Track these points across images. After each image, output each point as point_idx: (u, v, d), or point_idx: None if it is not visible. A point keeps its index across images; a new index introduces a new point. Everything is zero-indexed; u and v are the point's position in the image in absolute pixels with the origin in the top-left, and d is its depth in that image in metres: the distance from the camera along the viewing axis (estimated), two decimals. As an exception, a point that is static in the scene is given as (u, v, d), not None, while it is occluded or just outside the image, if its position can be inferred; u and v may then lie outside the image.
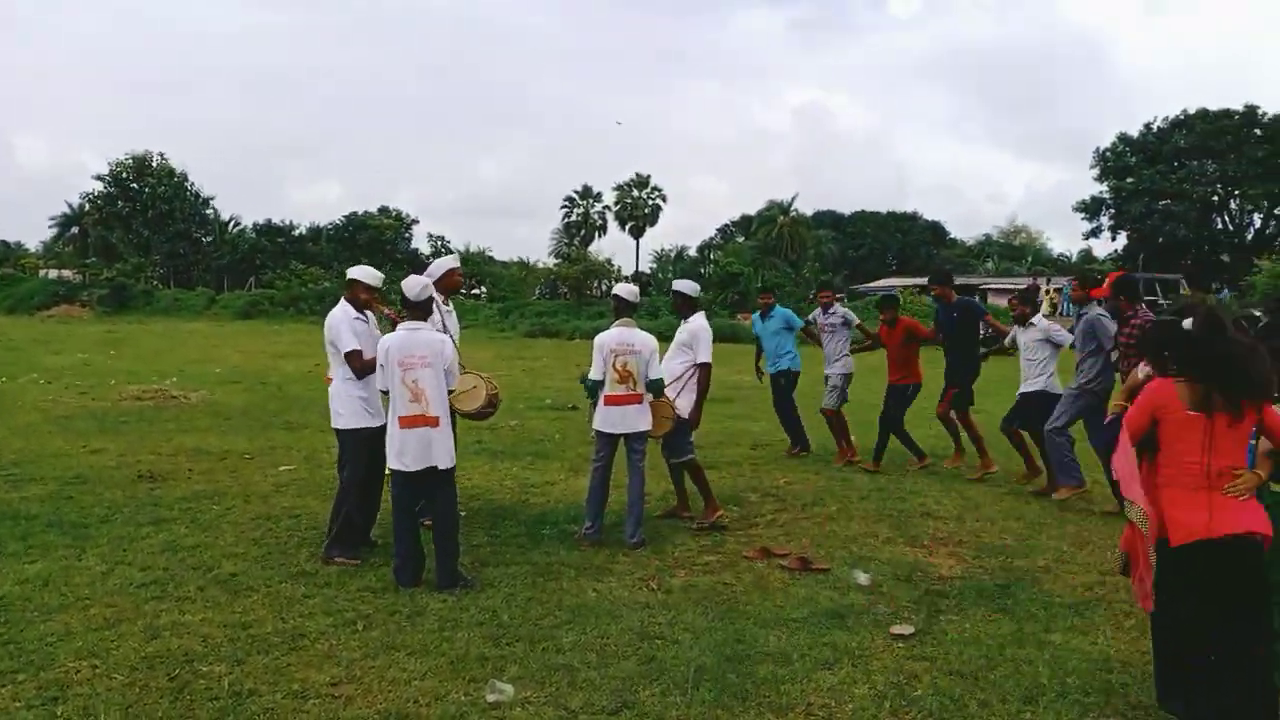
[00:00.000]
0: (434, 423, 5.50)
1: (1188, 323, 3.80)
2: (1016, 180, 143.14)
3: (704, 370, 6.98)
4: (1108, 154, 53.21)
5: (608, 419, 6.51)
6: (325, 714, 3.88)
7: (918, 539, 6.71)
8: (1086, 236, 56.84)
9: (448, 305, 6.82)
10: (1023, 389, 8.43)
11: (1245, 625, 3.74)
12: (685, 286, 7.41)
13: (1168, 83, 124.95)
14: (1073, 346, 7.99)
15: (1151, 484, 3.90)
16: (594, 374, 6.54)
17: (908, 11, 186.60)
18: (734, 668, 4.38)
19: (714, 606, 5.23)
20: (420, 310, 5.67)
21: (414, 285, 5.67)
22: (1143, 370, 4.42)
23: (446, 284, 6.75)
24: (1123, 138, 53.00)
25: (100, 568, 5.75)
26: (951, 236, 76.51)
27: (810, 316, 10.32)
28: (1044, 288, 44.78)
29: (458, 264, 6.81)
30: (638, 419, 6.51)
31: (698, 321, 7.10)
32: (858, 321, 9.90)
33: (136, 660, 4.36)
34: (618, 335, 6.52)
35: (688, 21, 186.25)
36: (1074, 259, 71.27)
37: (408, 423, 5.47)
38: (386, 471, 5.78)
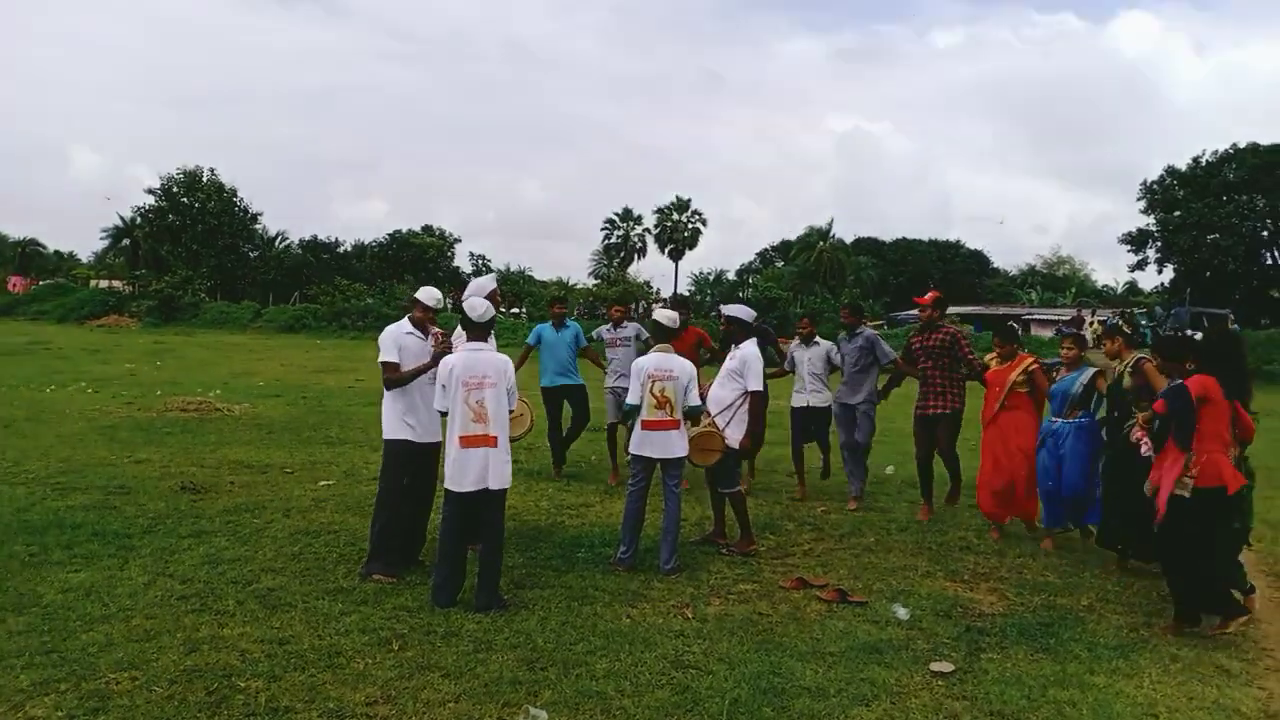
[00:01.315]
0: (493, 443, 5.54)
1: (1198, 336, 4.41)
2: (1060, 211, 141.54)
3: (755, 399, 6.93)
4: (1155, 186, 52.43)
5: (644, 444, 6.49)
6: (359, 734, 3.89)
7: (958, 573, 6.61)
8: (1132, 269, 55.96)
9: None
10: (817, 403, 9.03)
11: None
12: (740, 312, 7.29)
13: (1215, 117, 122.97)
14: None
15: (1202, 449, 5.35)
16: (631, 398, 6.54)
17: (951, 42, 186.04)
18: (769, 701, 4.32)
19: (749, 637, 5.18)
20: (483, 331, 5.72)
21: (477, 307, 5.73)
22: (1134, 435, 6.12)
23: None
24: (1170, 170, 52.21)
25: (142, 579, 5.82)
26: (994, 266, 75.81)
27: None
28: (1088, 319, 44.25)
29: (495, 284, 6.85)
30: (675, 445, 6.48)
31: (749, 349, 7.04)
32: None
33: (176, 673, 4.40)
34: (656, 360, 6.52)
35: (732, 49, 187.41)
36: (1119, 291, 70.29)
37: (469, 442, 5.50)
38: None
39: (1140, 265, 54.50)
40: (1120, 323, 8.94)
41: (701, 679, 4.55)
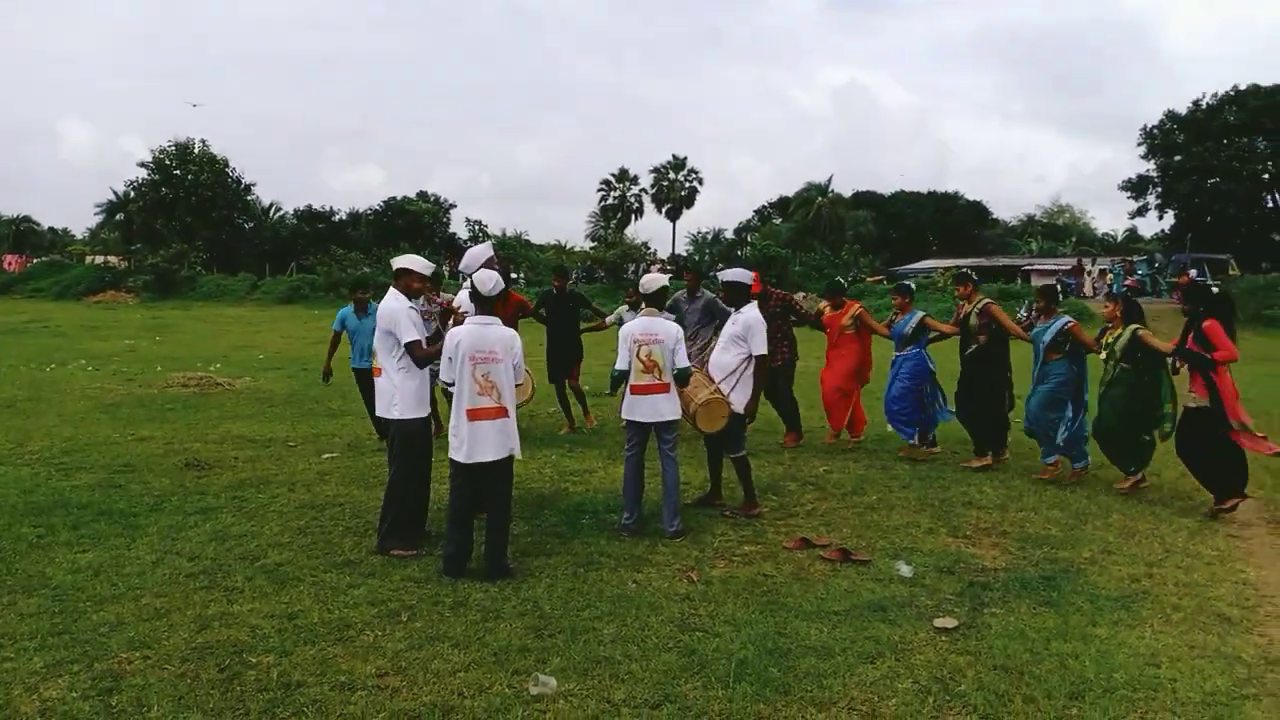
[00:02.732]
0: (504, 414, 5.57)
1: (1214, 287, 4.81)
2: (1061, 160, 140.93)
3: (760, 362, 6.93)
4: (1155, 131, 52.03)
5: (635, 408, 6.52)
6: (372, 706, 3.94)
7: (960, 529, 6.65)
8: (1133, 216, 55.88)
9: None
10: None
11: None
12: (739, 275, 7.23)
13: (1216, 64, 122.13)
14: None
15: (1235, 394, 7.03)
16: (619, 364, 6.56)
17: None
18: (775, 661, 4.37)
19: (754, 598, 5.22)
20: (491, 304, 5.71)
21: (487, 281, 5.71)
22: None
23: None
24: (1170, 115, 51.76)
25: (150, 557, 5.86)
26: (993, 217, 75.42)
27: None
28: (1087, 268, 44.14)
29: (492, 251, 6.80)
30: (665, 408, 6.49)
31: (751, 313, 7.01)
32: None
33: (187, 651, 4.44)
34: (642, 325, 6.52)
35: (728, 4, 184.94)
36: (1119, 238, 70.04)
37: (476, 415, 5.51)
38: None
39: (1141, 212, 54.36)
40: (969, 271, 10.03)
41: (708, 641, 4.60)
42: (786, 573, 5.69)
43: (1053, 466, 8.34)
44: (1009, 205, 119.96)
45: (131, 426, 10.59)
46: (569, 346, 10.55)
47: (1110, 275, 41.15)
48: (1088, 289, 39.89)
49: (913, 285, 9.94)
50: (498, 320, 5.74)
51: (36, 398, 12.75)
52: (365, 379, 9.18)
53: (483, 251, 6.80)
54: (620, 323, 9.54)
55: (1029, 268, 49.58)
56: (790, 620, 4.88)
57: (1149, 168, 52.55)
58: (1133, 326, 7.65)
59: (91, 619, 4.83)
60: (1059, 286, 39.25)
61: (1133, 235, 67.01)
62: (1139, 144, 52.64)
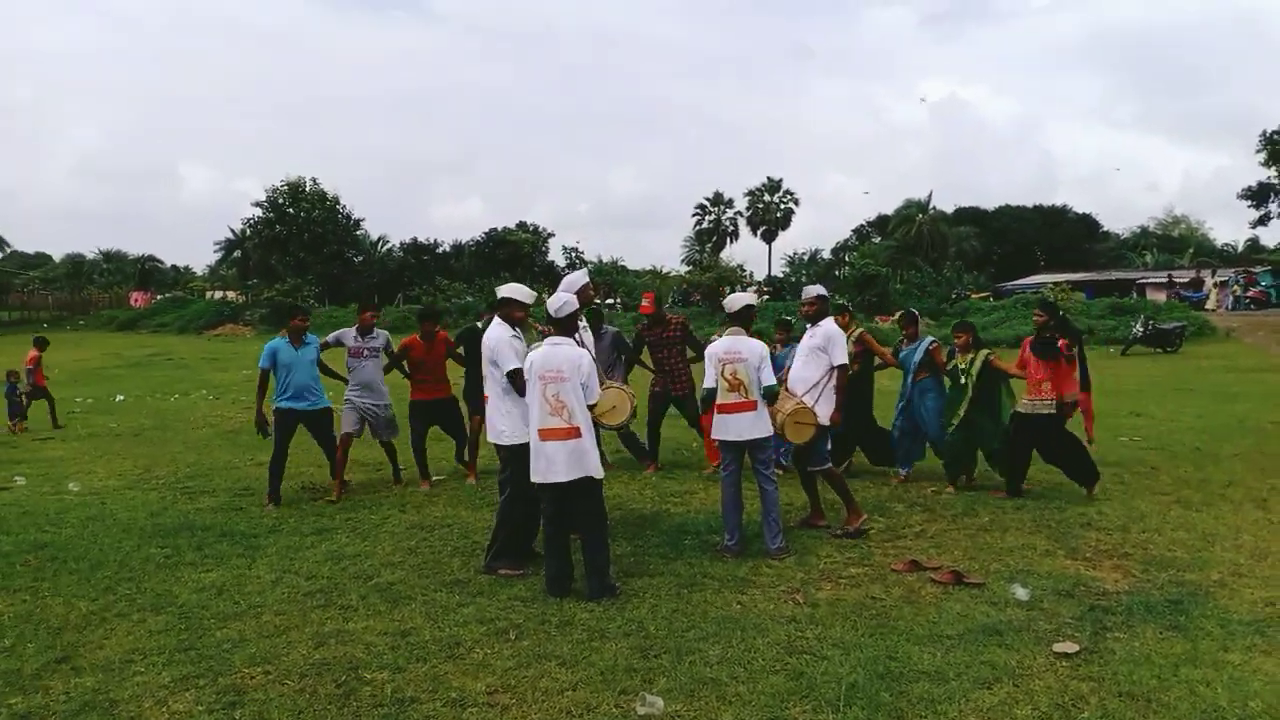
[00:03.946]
0: (576, 434, 5.59)
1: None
2: (1174, 168, 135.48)
3: (843, 372, 6.90)
4: (1275, 136, 49.48)
5: (723, 428, 6.49)
6: (482, 723, 3.98)
7: (1079, 551, 6.39)
8: (1254, 225, 52.99)
9: (582, 320, 6.88)
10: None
11: None
12: (821, 290, 7.29)
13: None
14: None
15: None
16: (706, 382, 6.56)
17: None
18: (887, 686, 4.26)
19: (863, 621, 5.11)
20: (563, 326, 5.78)
21: (556, 302, 5.82)
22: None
23: (581, 300, 6.79)
24: (1292, 118, 49.21)
25: (269, 576, 6.08)
26: (1104, 230, 72.76)
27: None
28: (1207, 280, 42.15)
29: (587, 278, 6.85)
30: (753, 426, 6.44)
31: (830, 325, 7.02)
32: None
33: (305, 666, 4.58)
34: (727, 344, 6.50)
35: (816, 21, 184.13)
36: (1240, 248, 66.74)
37: (547, 435, 5.58)
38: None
39: (1262, 221, 51.56)
40: (846, 302, 10.20)
41: (816, 664, 4.52)
42: (896, 596, 5.55)
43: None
44: (1119, 216, 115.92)
45: (250, 452, 11.02)
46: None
47: (1236, 287, 39.27)
48: (1210, 302, 38.10)
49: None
50: (570, 340, 5.79)
51: (162, 426, 13.39)
52: (291, 421, 8.62)
53: (578, 279, 6.85)
54: None
55: (1143, 281, 47.68)
56: (901, 644, 4.76)
57: (1270, 175, 49.96)
58: (984, 351, 8.52)
59: (215, 636, 5.03)
60: (1178, 297, 37.66)
61: (1254, 245, 63.75)
62: (1258, 150, 50.09)
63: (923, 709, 4.04)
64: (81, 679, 4.51)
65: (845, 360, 6.93)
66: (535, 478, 5.64)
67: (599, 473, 5.70)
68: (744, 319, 6.70)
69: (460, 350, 9.67)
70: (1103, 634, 4.87)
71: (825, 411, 6.81)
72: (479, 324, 9.72)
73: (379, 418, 9.12)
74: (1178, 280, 43.68)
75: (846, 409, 8.36)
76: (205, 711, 4.13)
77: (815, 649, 4.71)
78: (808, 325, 7.20)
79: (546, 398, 5.60)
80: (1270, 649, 4.64)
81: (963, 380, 8.45)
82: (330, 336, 9.13)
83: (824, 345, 6.93)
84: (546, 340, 5.79)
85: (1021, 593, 5.49)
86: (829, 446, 7.16)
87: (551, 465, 5.58)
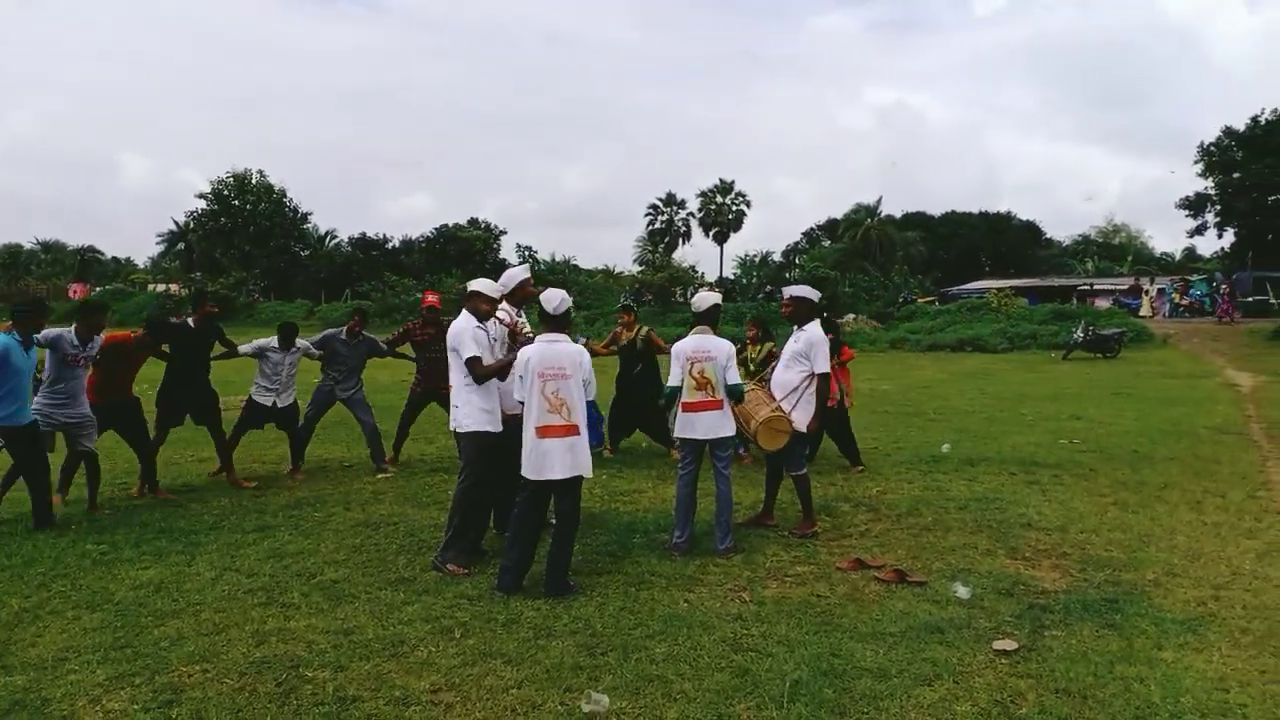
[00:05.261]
0: (575, 432, 5.59)
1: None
2: (1113, 177, 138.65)
3: (823, 380, 6.87)
4: (1212, 148, 50.84)
5: (688, 425, 6.50)
6: (425, 721, 3.94)
7: (1019, 551, 6.52)
8: (1191, 234, 54.38)
9: (521, 316, 6.88)
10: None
11: None
12: (806, 291, 7.10)
13: (1272, 74, 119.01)
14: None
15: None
16: (672, 381, 6.55)
17: (991, 7, 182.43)
18: (830, 682, 4.30)
19: (807, 619, 5.15)
20: (559, 323, 5.76)
21: (553, 299, 5.78)
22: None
23: (520, 295, 6.79)
24: (1228, 131, 50.58)
25: (209, 574, 5.96)
26: (1047, 236, 74.32)
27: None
28: (1145, 287, 43.25)
29: (528, 274, 6.84)
30: (719, 425, 6.47)
31: (815, 331, 6.94)
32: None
33: (245, 665, 4.50)
34: (695, 342, 6.51)
35: (767, 26, 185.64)
36: (1178, 258, 68.57)
37: (545, 432, 5.54)
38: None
39: (1199, 230, 52.92)
40: (632, 302, 11.15)
41: (761, 661, 4.55)
42: (840, 594, 5.61)
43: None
44: (1062, 224, 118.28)
45: (191, 448, 10.83)
46: (196, 385, 9.31)
47: (1176, 294, 40.33)
48: (1145, 309, 39.11)
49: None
50: (566, 337, 5.79)
51: (101, 420, 13.05)
52: (24, 439, 7.15)
53: (517, 274, 6.83)
54: (256, 354, 9.36)
55: (1084, 288, 48.74)
56: (845, 641, 4.81)
57: (1207, 185, 51.35)
58: (768, 344, 9.56)
59: (153, 634, 4.93)
60: (1119, 305, 38.61)
61: (1191, 254, 65.54)
62: (1195, 161, 51.45)
63: (865, 705, 4.09)
64: (12, 677, 4.38)
65: (826, 368, 6.85)
66: (529, 474, 5.59)
67: (590, 471, 5.71)
68: (711, 318, 6.71)
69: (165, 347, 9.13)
70: (1041, 632, 4.97)
71: (802, 418, 6.81)
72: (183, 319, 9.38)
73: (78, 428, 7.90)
74: (1116, 288, 44.76)
75: (635, 391, 10.10)
76: (141, 710, 4.04)
77: (760, 646, 4.74)
78: (794, 327, 7.03)
79: (546, 395, 5.56)
80: (1202, 647, 4.77)
81: (751, 369, 9.25)
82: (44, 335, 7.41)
83: (806, 351, 6.86)
84: (542, 337, 5.76)
85: (962, 591, 5.58)
86: (807, 451, 7.21)
87: (549, 463, 5.55)
